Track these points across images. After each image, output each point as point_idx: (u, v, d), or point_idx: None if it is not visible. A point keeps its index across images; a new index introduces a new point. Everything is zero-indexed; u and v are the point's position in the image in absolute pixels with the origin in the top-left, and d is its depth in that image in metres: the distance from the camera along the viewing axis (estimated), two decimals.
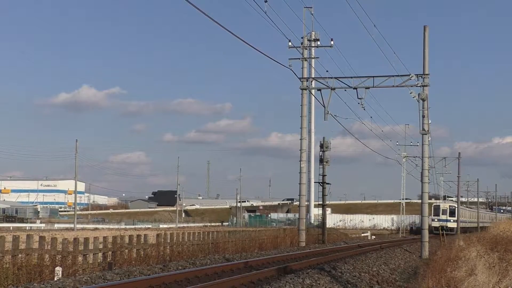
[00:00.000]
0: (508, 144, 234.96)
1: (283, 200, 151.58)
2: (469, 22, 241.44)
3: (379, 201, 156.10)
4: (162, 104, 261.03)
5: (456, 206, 76.38)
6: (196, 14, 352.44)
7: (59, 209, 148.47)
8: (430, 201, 64.07)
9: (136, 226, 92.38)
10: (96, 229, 77.44)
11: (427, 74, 31.77)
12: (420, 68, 32.28)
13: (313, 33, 49.32)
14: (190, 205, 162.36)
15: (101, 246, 19.87)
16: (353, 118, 52.59)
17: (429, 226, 66.53)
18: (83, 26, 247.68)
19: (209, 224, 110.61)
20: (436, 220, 76.14)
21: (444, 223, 73.88)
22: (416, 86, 32.05)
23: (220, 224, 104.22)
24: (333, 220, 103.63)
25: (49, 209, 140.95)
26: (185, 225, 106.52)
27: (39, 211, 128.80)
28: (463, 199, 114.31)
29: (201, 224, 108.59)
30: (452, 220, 74.96)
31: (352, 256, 24.87)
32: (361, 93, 33.41)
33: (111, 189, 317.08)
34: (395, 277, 20.21)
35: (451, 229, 72.67)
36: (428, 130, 31.96)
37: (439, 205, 78.92)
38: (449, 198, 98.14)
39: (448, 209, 77.26)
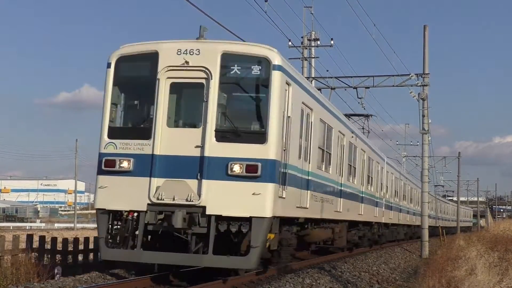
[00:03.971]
0: (508, 143, 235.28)
1: None
2: (469, 22, 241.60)
3: None
4: None
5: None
6: (196, 14, 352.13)
7: (60, 209, 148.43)
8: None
9: None
10: (96, 228, 77.32)
11: (427, 74, 31.74)
12: (420, 67, 32.33)
13: (313, 32, 49.18)
14: None
15: None
16: None
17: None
18: (83, 25, 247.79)
19: None
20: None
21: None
22: (416, 86, 32.04)
23: None
24: None
25: (49, 209, 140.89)
26: None
27: (39, 211, 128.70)
28: (463, 199, 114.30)
29: None
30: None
31: (352, 256, 24.84)
32: (361, 93, 33.43)
33: None
34: (395, 276, 20.21)
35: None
36: (428, 130, 31.96)
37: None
38: (449, 198, 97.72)
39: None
